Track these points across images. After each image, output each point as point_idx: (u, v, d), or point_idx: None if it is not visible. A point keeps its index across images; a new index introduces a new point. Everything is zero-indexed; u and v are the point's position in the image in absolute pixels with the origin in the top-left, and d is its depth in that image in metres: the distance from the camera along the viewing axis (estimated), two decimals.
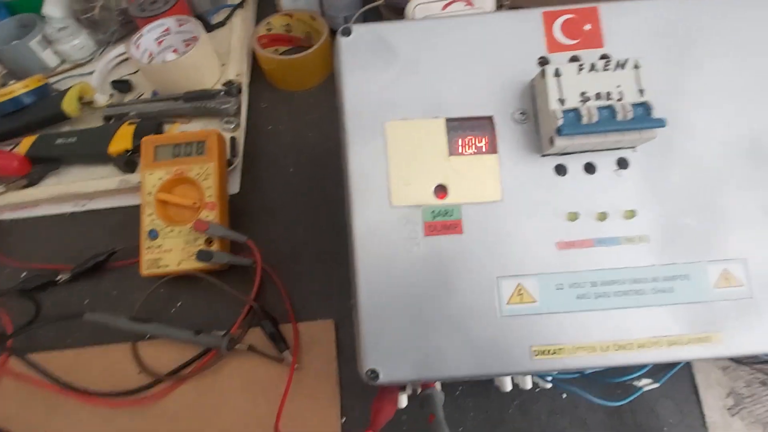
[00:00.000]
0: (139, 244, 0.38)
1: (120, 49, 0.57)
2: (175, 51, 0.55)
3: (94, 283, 0.41)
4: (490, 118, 0.26)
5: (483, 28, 0.27)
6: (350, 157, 0.26)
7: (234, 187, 0.45)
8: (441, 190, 0.25)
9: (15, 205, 0.47)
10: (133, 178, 0.45)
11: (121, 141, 0.45)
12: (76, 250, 0.42)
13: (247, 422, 0.33)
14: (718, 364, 0.33)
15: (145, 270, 0.37)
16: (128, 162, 0.45)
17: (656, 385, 0.30)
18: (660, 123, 0.23)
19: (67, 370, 0.36)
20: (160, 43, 0.53)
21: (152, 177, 0.39)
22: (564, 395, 0.32)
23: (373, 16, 0.53)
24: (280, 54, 0.57)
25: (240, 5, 0.60)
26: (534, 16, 0.27)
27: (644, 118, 0.23)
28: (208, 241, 0.38)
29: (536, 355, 0.24)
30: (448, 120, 0.26)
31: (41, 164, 0.48)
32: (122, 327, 0.34)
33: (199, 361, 0.34)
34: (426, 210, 0.25)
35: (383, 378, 0.24)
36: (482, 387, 0.33)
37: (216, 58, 0.53)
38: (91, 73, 0.56)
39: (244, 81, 0.52)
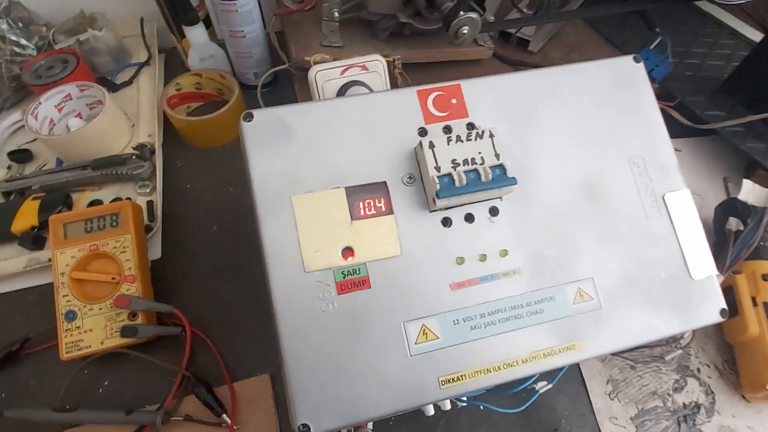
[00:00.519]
0: (57, 328, 0.37)
1: (15, 116, 0.54)
2: (78, 115, 0.54)
3: (8, 375, 0.38)
4: (384, 183, 0.30)
5: (369, 107, 0.31)
6: (263, 232, 0.28)
7: (155, 252, 0.45)
8: (348, 251, 0.29)
9: None
10: (42, 255, 0.43)
11: (26, 218, 0.43)
12: None
13: None
14: (598, 357, 0.39)
15: (65, 354, 0.36)
16: (35, 239, 0.43)
17: (550, 386, 0.35)
18: (513, 181, 0.28)
19: None
20: (60, 109, 0.52)
21: (64, 256, 0.38)
22: (481, 407, 0.37)
23: (284, 74, 0.56)
24: (193, 110, 0.58)
25: (146, 63, 0.60)
26: (410, 94, 0.32)
27: (501, 177, 0.28)
28: (132, 314, 0.38)
29: (443, 385, 0.28)
30: (348, 188, 0.30)
31: None
32: (46, 419, 0.33)
33: None
34: (336, 271, 0.28)
35: (314, 430, 0.26)
36: (412, 414, 0.36)
37: (125, 120, 0.53)
38: None
39: (157, 142, 0.52)
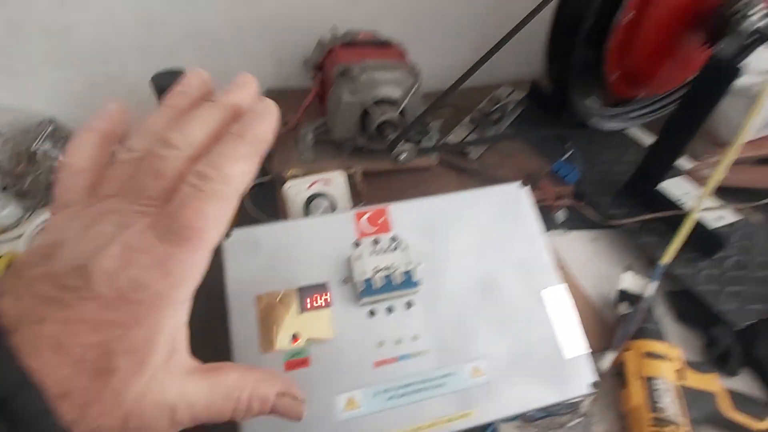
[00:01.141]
0: None
1: (45, 215, 0.66)
2: None
3: None
4: (325, 284, 0.40)
5: (319, 226, 0.42)
6: (231, 324, 0.38)
7: None
8: (295, 337, 0.38)
9: None
10: None
11: None
12: None
13: None
14: (513, 424, 0.47)
15: None
16: None
17: None
18: (414, 285, 0.39)
19: None
20: None
21: None
22: None
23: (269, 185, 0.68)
24: None
25: None
26: (350, 215, 0.43)
27: (408, 282, 0.39)
28: None
29: None
30: (299, 289, 0.40)
31: None
32: None
33: None
34: (285, 353, 0.37)
35: None
36: None
37: None
38: (17, 237, 0.64)
39: None
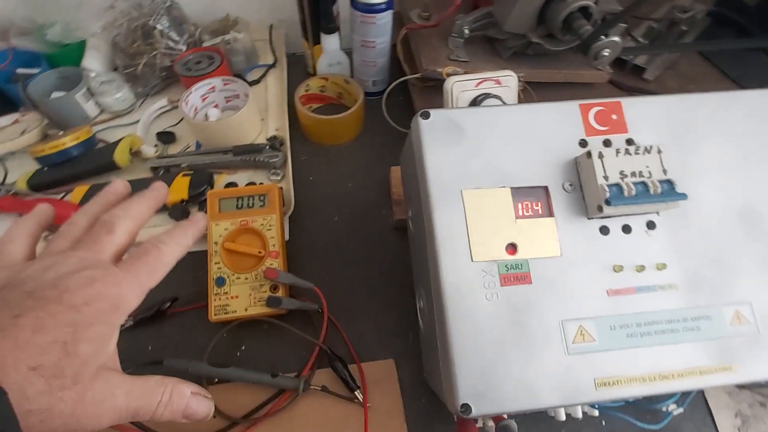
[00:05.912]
0: (207, 292, 0.41)
1: (161, 101, 0.61)
2: (216, 106, 0.59)
3: (156, 329, 0.42)
4: (545, 188, 0.32)
5: (533, 115, 0.33)
6: (435, 221, 0.30)
7: (284, 234, 0.48)
8: (511, 248, 0.30)
9: None
10: None
11: (177, 191, 0.48)
12: None
13: None
14: (725, 389, 0.38)
15: (214, 316, 0.40)
16: (183, 212, 0.48)
17: (681, 410, 0.35)
18: (683, 196, 0.29)
19: None
20: (204, 99, 0.58)
21: (218, 228, 0.42)
22: (603, 422, 0.37)
23: (402, 86, 0.59)
24: (314, 110, 0.62)
25: (273, 66, 0.66)
26: (573, 107, 0.33)
27: (670, 192, 0.29)
28: (273, 287, 0.41)
29: (599, 387, 0.28)
30: (512, 189, 0.31)
31: None
32: (201, 372, 0.36)
33: (274, 403, 0.36)
34: (501, 264, 0.30)
35: (475, 412, 0.27)
36: (535, 419, 0.37)
37: (258, 115, 0.58)
38: (131, 124, 0.59)
39: (286, 135, 0.56)
